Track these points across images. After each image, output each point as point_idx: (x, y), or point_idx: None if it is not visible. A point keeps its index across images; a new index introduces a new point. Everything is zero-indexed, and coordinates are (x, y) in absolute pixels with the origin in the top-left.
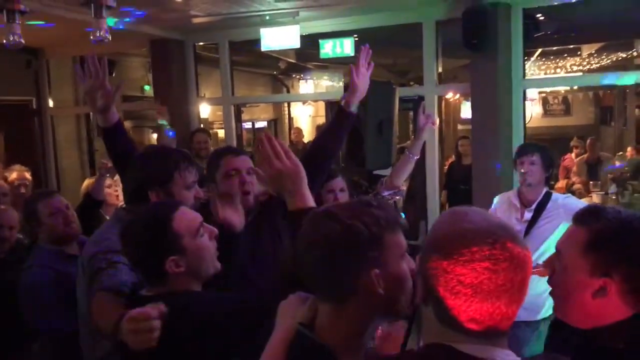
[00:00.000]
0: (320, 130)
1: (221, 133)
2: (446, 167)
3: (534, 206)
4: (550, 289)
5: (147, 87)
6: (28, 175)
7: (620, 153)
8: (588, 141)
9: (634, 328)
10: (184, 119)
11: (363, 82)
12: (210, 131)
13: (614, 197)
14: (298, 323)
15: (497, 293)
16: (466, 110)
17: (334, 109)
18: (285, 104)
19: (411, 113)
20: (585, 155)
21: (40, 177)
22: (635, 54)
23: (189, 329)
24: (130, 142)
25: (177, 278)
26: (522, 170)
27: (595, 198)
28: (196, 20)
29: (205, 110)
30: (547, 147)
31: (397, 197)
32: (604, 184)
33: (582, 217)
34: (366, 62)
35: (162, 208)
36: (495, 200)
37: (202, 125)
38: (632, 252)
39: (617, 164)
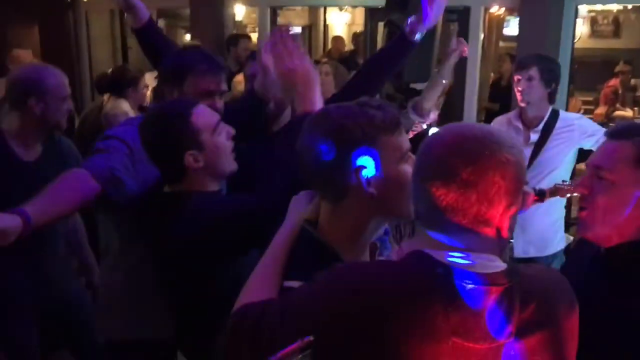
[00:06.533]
0: (375, 55)
1: (254, 37)
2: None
3: (540, 127)
4: (556, 220)
5: None
6: None
7: None
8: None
9: None
10: (217, 21)
11: (436, 12)
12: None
13: None
14: (304, 219)
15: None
16: (509, 27)
17: (374, 19)
18: (322, 10)
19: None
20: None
21: (74, 73)
22: None
23: (205, 228)
24: (166, 43)
25: (195, 175)
26: (519, 88)
27: None
28: None
29: (240, 12)
30: (549, 57)
31: (424, 126)
32: None
33: (622, 132)
34: None
35: (181, 104)
36: (493, 123)
37: (235, 30)
38: None
39: None
